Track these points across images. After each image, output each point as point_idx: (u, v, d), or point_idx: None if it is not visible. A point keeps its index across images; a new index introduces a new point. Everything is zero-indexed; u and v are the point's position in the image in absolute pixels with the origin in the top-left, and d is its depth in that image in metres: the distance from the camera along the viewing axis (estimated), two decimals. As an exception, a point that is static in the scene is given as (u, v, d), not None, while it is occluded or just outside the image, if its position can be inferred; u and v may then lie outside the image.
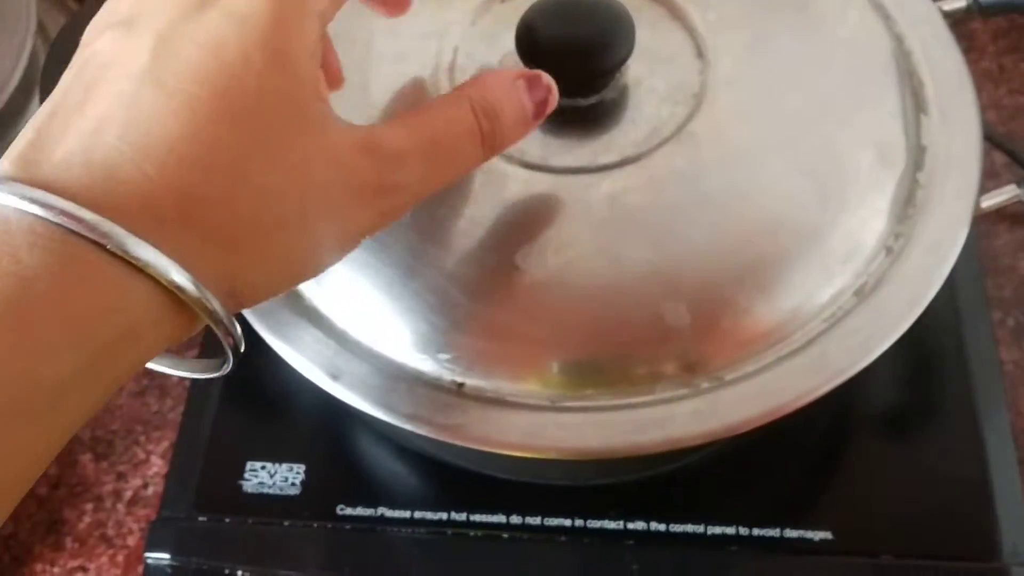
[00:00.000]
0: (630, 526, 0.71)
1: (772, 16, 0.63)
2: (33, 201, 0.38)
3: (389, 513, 0.72)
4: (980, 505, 0.71)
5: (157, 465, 0.80)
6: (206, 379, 0.53)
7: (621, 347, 0.56)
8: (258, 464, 0.74)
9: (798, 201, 0.58)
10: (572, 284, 0.56)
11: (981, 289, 0.81)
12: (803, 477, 0.75)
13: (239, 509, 0.73)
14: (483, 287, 0.56)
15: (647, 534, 0.70)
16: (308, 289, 0.60)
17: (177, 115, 0.40)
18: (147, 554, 0.72)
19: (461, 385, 0.56)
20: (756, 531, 0.70)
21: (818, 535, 0.70)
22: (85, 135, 0.40)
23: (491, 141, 0.51)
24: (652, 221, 0.57)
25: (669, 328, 0.55)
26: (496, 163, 0.57)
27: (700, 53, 0.61)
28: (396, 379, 0.57)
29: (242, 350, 0.44)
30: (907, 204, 0.59)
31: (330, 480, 0.74)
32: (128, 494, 0.79)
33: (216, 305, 0.41)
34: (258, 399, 0.78)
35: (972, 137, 0.62)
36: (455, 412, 0.55)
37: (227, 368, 0.46)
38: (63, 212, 0.38)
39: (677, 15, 0.62)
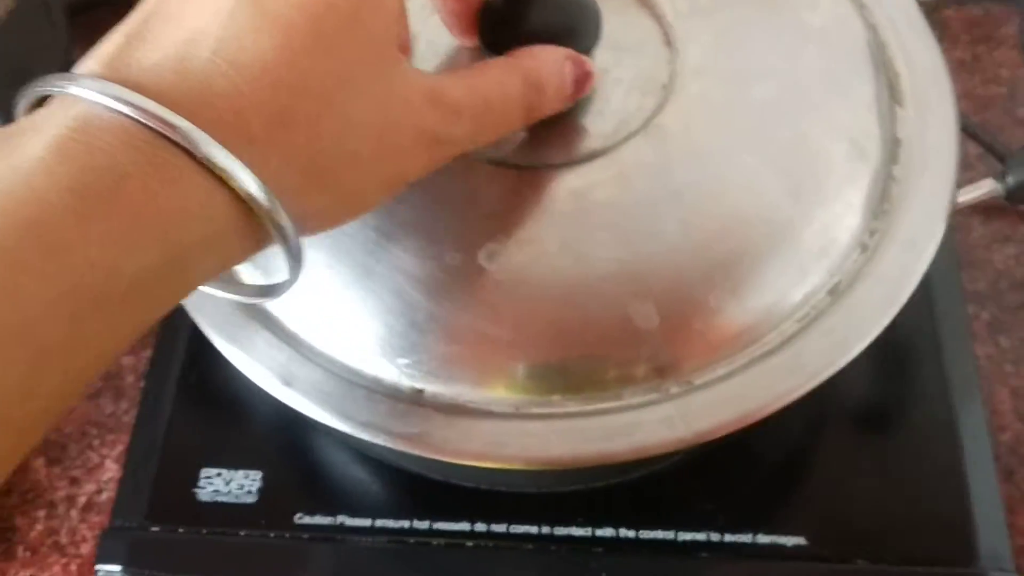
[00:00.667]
0: (598, 533, 0.69)
1: (743, 3, 0.61)
2: (127, 103, 0.39)
3: (349, 522, 0.70)
4: (957, 509, 0.70)
5: (112, 470, 0.77)
6: (252, 301, 0.53)
7: (588, 350, 0.54)
8: (213, 471, 0.72)
9: (770, 196, 0.56)
10: (537, 284, 0.54)
11: (957, 283, 0.79)
12: (776, 481, 0.73)
13: (193, 518, 0.70)
14: (444, 288, 0.54)
15: (616, 541, 0.69)
16: None
17: (273, 37, 0.41)
18: (98, 566, 0.69)
19: (421, 391, 0.54)
20: (728, 537, 0.69)
21: (791, 540, 0.68)
22: (179, 44, 0.41)
23: (532, 111, 0.52)
24: (619, 218, 0.55)
25: (637, 330, 0.53)
26: (461, 158, 0.53)
27: (669, 42, 0.59)
28: (352, 385, 0.55)
29: (301, 272, 0.45)
30: (882, 199, 0.58)
31: (288, 488, 0.72)
32: (82, 500, 0.76)
33: (287, 224, 0.42)
34: (213, 403, 0.76)
35: (948, 130, 0.60)
36: (415, 420, 0.53)
37: (284, 291, 0.47)
38: (156, 116, 0.39)
39: (645, 2, 0.60)
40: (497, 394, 0.54)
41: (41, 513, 0.76)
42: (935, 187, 0.58)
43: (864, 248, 0.57)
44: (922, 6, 0.69)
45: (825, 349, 0.54)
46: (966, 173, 0.84)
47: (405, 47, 0.53)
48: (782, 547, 0.68)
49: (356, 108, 0.44)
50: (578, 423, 0.53)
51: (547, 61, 0.53)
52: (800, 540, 0.68)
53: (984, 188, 0.65)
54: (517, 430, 0.53)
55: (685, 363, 0.54)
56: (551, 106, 0.53)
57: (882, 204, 0.58)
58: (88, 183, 0.38)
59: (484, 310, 0.54)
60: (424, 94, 0.46)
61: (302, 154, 0.42)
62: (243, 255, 0.44)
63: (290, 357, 0.56)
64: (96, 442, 0.79)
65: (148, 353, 0.79)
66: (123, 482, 0.74)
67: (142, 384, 0.79)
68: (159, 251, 0.39)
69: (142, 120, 0.39)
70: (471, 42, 0.56)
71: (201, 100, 0.40)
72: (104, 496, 0.76)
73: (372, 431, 0.53)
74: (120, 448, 0.78)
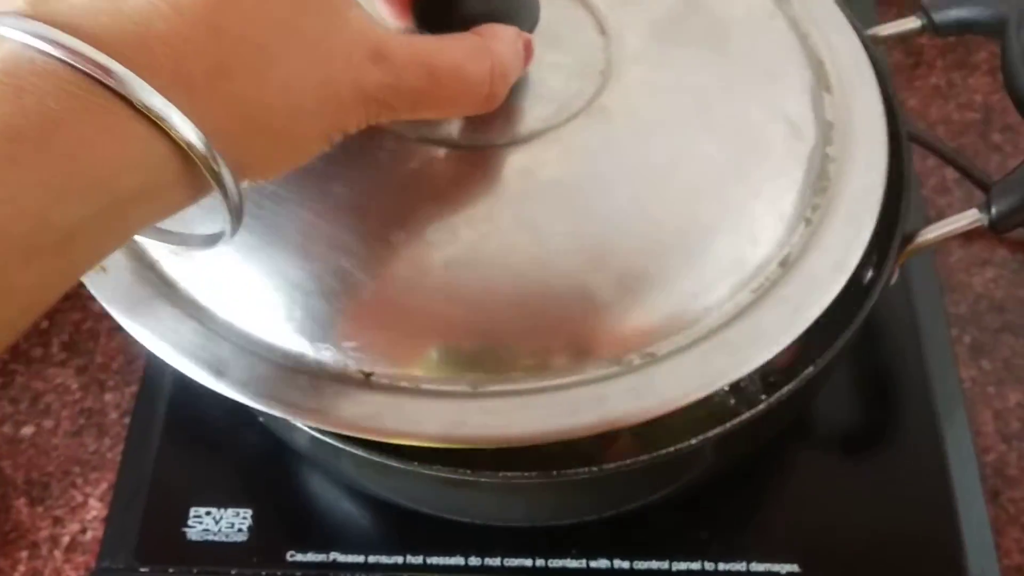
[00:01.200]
0: (593, 565, 0.66)
1: None
2: (59, 45, 0.34)
3: (342, 558, 0.66)
4: (946, 530, 0.67)
5: (96, 508, 0.71)
6: (201, 249, 0.47)
7: (547, 324, 0.49)
8: (202, 509, 0.67)
9: (717, 173, 0.53)
10: (490, 261, 0.49)
11: (940, 308, 0.77)
12: (767, 508, 0.70)
13: (183, 558, 0.66)
14: (391, 267, 0.49)
15: (610, 572, 0.66)
16: (185, 279, 0.52)
17: None
18: (88, 609, 0.61)
19: (370, 374, 0.48)
20: (722, 566, 0.65)
21: (785, 568, 0.65)
22: None
23: (492, 100, 0.47)
24: (571, 194, 0.51)
25: (597, 303, 0.49)
26: (396, 137, 0.51)
27: (602, 30, 0.56)
28: (295, 372, 0.49)
29: (242, 222, 0.41)
30: (820, 177, 0.55)
31: (279, 525, 0.67)
32: (65, 540, 0.70)
33: (227, 174, 0.38)
34: (201, 440, 0.71)
35: (875, 113, 0.59)
36: (365, 404, 0.48)
37: (225, 239, 0.43)
38: (91, 60, 0.34)
39: None
40: (453, 373, 0.49)
41: (24, 554, 0.70)
42: (869, 164, 0.56)
43: (808, 222, 0.54)
44: (898, 35, 0.68)
45: (782, 317, 0.51)
46: (944, 198, 0.84)
47: None
48: (776, 574, 0.65)
49: (299, 60, 0.39)
50: (541, 399, 0.48)
51: (508, 45, 0.48)
52: (793, 567, 0.66)
53: (968, 218, 0.60)
54: (476, 409, 0.48)
55: (645, 335, 0.50)
56: (507, 90, 0.48)
57: (821, 182, 0.55)
58: (19, 128, 0.34)
59: (435, 288, 0.49)
60: (368, 49, 0.41)
61: (244, 105, 0.38)
62: (182, 203, 0.39)
63: (222, 346, 0.50)
64: (79, 480, 0.73)
65: (132, 389, 0.74)
66: (110, 522, 0.68)
67: (126, 421, 0.74)
68: (94, 201, 0.35)
69: (75, 64, 0.34)
70: (407, 23, 0.51)
71: (138, 43, 0.36)
72: (88, 535, 0.70)
73: (318, 417, 0.48)
74: (104, 486, 0.72)
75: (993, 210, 0.61)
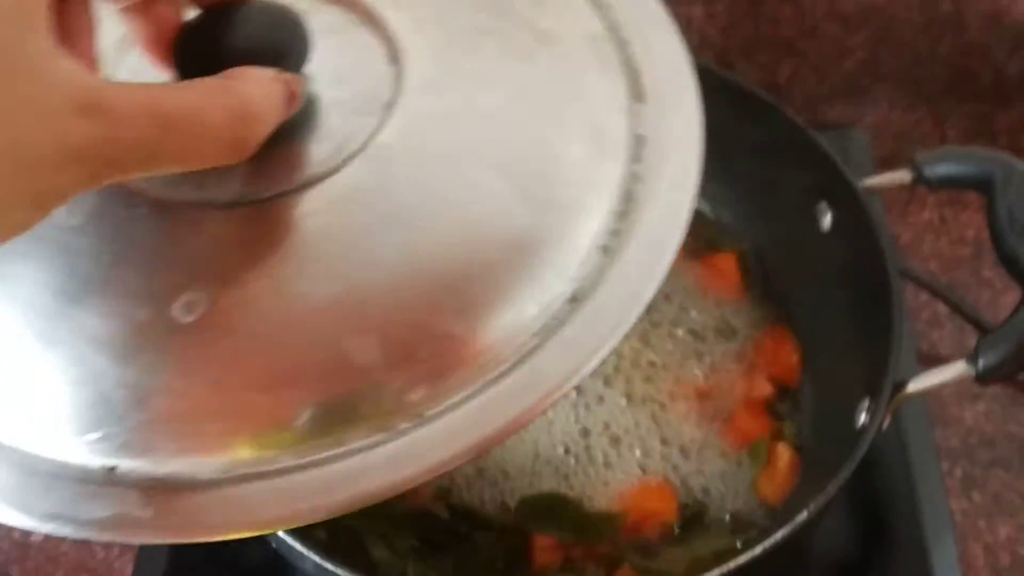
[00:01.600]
0: None
1: (472, 14, 0.53)
2: None
3: None
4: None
5: None
6: None
7: (303, 397, 0.44)
8: None
9: (502, 208, 0.47)
10: (242, 332, 0.44)
11: (931, 441, 0.76)
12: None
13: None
14: (135, 348, 0.44)
15: None
16: None
17: None
18: None
19: (113, 468, 0.43)
20: None
21: None
22: None
23: (242, 145, 0.41)
24: (334, 248, 0.45)
25: (357, 367, 0.44)
26: (152, 202, 0.46)
27: (394, 58, 0.50)
28: (31, 473, 0.44)
29: None
30: (625, 199, 0.48)
31: None
32: None
33: None
34: (211, 555, 0.67)
35: (691, 123, 0.51)
36: (106, 503, 0.42)
37: None
38: None
39: (369, 19, 0.52)
40: (202, 460, 0.44)
41: (26, 665, 0.61)
42: (678, 183, 0.49)
43: (606, 250, 0.47)
44: (890, 186, 0.74)
45: (565, 361, 0.44)
46: (936, 331, 0.83)
47: (78, 38, 0.43)
48: None
49: None
50: (295, 479, 0.43)
51: (259, 83, 0.42)
52: None
53: (956, 370, 0.65)
54: (225, 497, 0.43)
55: (413, 396, 0.44)
56: (263, 135, 0.42)
57: (624, 204, 0.48)
58: None
59: (180, 368, 0.44)
60: (75, 101, 0.35)
61: None
62: None
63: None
64: (86, 589, 0.64)
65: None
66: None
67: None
68: None
69: None
70: (171, 71, 0.45)
71: None
72: (94, 647, 0.61)
73: (56, 523, 0.43)
74: (110, 595, 0.64)
75: (980, 363, 0.63)
